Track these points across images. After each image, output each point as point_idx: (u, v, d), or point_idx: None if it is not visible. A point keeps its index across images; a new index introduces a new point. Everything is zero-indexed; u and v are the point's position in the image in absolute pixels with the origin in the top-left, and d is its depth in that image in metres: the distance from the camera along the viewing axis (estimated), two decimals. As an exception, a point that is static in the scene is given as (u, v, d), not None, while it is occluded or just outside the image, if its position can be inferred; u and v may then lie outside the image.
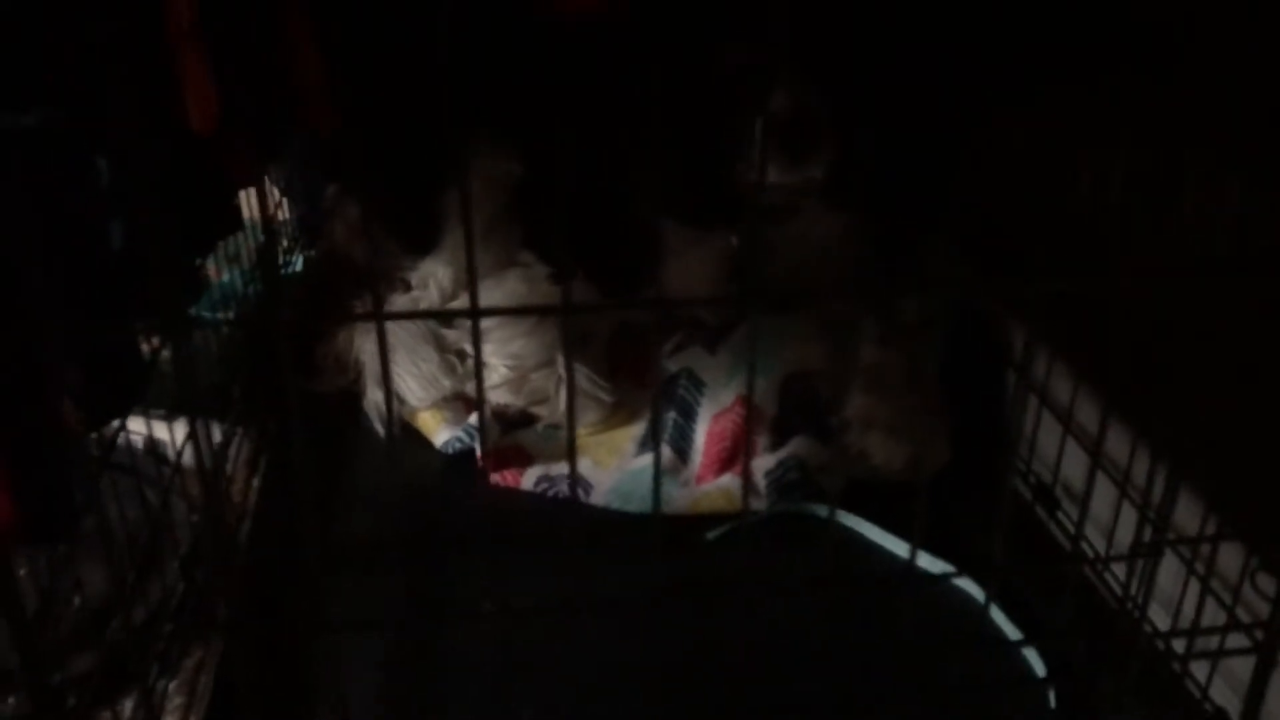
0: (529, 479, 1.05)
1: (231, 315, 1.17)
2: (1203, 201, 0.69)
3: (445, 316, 1.19)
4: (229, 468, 1.04)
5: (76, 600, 0.79)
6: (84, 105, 0.63)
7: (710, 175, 1.08)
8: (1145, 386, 0.73)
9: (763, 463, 1.01)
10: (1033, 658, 0.81)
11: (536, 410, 1.11)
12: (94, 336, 0.69)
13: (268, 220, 1.22)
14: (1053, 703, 0.74)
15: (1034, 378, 0.96)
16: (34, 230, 0.58)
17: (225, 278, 1.18)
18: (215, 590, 0.87)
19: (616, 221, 1.12)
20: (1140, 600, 0.68)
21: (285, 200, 1.41)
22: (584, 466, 1.06)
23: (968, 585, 0.88)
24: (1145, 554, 0.65)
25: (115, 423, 0.79)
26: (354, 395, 1.18)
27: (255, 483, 1.06)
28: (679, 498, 1.00)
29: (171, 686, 0.80)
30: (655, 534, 0.81)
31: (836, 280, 1.10)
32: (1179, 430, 0.68)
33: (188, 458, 0.89)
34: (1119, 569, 0.82)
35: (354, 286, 1.28)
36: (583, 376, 1.09)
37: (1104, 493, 0.78)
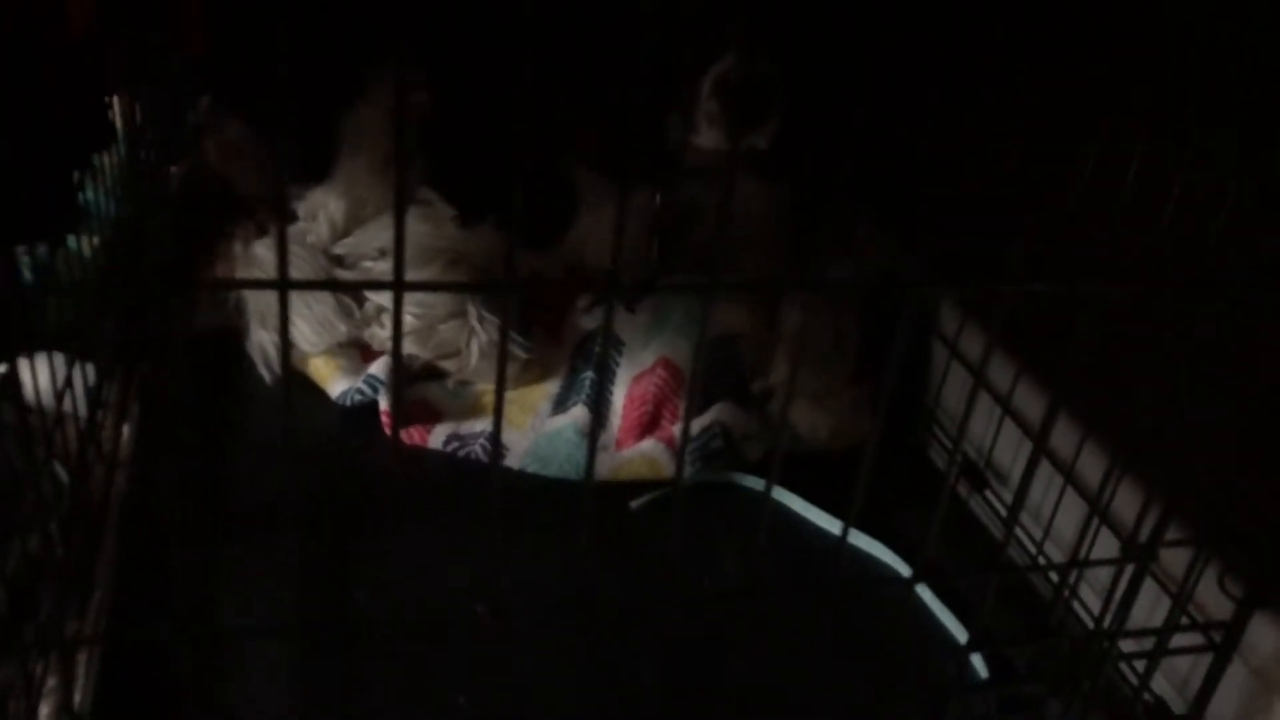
0: (436, 437, 0.98)
1: (96, 240, 1.04)
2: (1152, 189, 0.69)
3: (360, 289, 1.08)
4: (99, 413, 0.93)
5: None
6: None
7: (639, 129, 1.03)
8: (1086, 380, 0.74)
9: (686, 429, 0.98)
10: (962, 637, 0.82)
11: (444, 364, 1.03)
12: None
13: (133, 133, 1.09)
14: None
15: (964, 353, 0.96)
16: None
17: (90, 195, 1.05)
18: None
19: (531, 166, 1.05)
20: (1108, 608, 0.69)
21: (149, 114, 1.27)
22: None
23: (897, 564, 0.88)
24: (1122, 562, 0.66)
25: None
26: (234, 333, 1.07)
27: (126, 430, 0.95)
28: (599, 464, 0.96)
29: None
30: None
31: (762, 247, 1.07)
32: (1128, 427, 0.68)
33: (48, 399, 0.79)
34: (1056, 556, 0.84)
35: (229, 212, 1.16)
36: (496, 329, 1.03)
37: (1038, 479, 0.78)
